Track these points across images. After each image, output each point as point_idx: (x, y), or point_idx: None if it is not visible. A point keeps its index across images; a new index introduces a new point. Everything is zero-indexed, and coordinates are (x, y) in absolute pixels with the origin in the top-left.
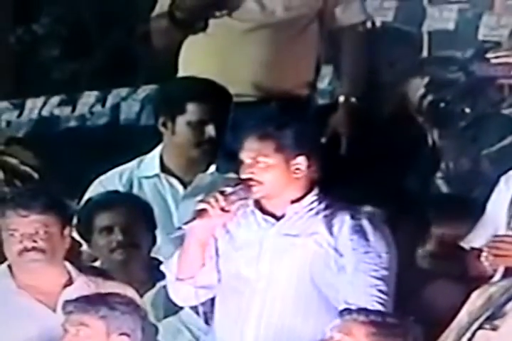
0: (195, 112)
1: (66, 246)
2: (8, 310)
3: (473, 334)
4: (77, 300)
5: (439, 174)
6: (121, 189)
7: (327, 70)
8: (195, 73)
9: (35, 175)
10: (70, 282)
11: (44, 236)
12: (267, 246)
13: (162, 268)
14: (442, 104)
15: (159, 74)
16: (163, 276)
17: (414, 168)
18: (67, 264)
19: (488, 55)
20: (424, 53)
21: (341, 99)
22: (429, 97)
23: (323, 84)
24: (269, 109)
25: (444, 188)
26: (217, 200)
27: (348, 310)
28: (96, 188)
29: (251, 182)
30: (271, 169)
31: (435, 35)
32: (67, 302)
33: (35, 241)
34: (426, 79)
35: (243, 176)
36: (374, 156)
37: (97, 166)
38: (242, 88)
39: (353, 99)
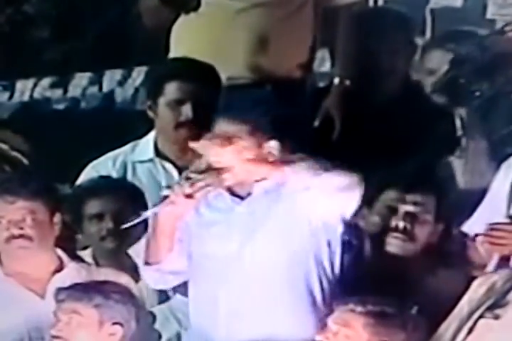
0: (173, 92)
1: (56, 232)
2: None
3: (474, 323)
4: (70, 287)
5: (451, 157)
6: (114, 174)
7: (328, 53)
8: (187, 54)
9: (25, 161)
10: (60, 268)
11: (31, 223)
12: (234, 225)
13: (129, 252)
14: (462, 80)
15: (154, 55)
16: None
17: (424, 151)
18: (58, 250)
19: (507, 28)
20: (428, 34)
21: (336, 81)
22: (447, 75)
23: (324, 67)
24: (264, 92)
25: (459, 172)
26: (181, 187)
27: (344, 301)
28: (89, 173)
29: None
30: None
31: (441, 14)
32: (60, 290)
33: (21, 229)
34: (438, 59)
35: (212, 160)
36: (369, 140)
37: (90, 150)
38: (236, 70)
39: (348, 82)
